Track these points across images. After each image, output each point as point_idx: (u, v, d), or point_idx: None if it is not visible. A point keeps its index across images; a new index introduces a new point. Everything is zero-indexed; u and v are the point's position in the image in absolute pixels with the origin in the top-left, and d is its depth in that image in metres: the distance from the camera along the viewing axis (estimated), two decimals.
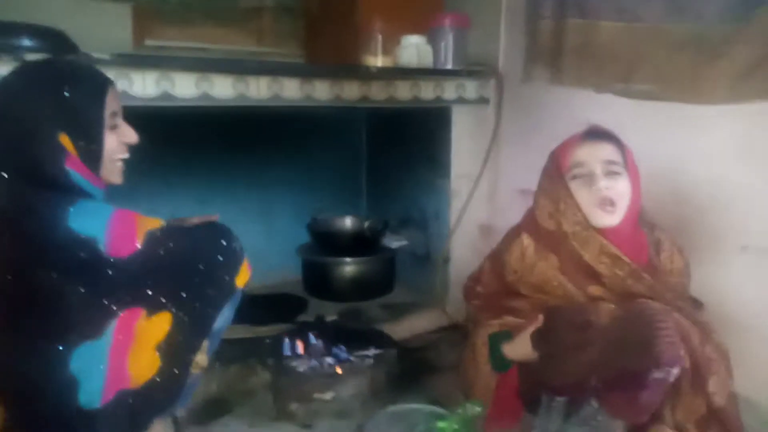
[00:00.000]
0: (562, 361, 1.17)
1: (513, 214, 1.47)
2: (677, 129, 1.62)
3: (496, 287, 1.37)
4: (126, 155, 1.13)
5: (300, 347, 1.69)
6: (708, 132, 1.57)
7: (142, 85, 1.46)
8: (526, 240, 1.32)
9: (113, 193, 1.14)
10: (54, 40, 1.36)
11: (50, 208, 0.98)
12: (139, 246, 1.02)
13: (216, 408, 1.56)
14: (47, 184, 1.01)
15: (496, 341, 1.28)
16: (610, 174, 1.22)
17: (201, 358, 1.13)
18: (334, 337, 1.74)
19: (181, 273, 1.06)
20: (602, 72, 1.79)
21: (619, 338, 1.11)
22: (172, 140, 1.86)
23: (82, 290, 0.98)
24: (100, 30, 1.79)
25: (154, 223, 1.07)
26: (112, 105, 1.09)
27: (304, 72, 1.75)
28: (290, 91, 1.68)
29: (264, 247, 2.13)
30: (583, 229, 1.24)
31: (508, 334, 1.28)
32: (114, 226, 1.02)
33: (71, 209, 0.98)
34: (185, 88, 1.50)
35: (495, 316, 1.32)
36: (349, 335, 1.77)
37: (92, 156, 1.05)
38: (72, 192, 1.03)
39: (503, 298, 1.33)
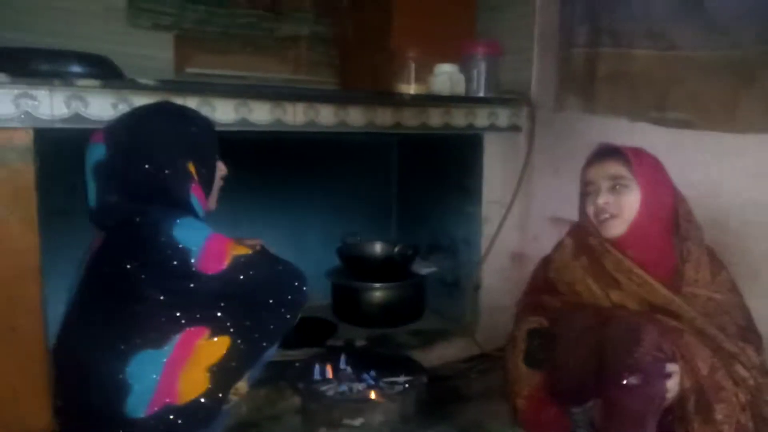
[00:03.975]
0: (561, 364, 1.23)
1: (545, 242, 1.47)
2: (712, 154, 1.60)
3: (541, 285, 1.43)
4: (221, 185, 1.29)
5: (329, 372, 1.68)
6: (743, 156, 1.54)
7: None
8: (567, 240, 1.40)
9: None
10: (100, 66, 1.42)
11: (162, 215, 1.08)
12: (225, 267, 1.08)
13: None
14: (172, 204, 1.13)
15: (531, 336, 1.32)
16: (616, 188, 1.28)
17: (242, 386, 1.16)
18: (364, 363, 1.73)
19: (251, 302, 1.11)
20: (636, 100, 1.77)
21: (600, 342, 1.14)
22: None
23: (162, 297, 1.04)
24: (143, 57, 1.87)
25: (242, 249, 1.13)
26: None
27: (339, 98, 1.78)
28: (325, 117, 1.71)
29: None
30: (600, 242, 1.30)
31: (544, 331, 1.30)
32: (210, 243, 1.08)
33: (178, 221, 1.07)
34: (225, 113, 1.55)
35: (532, 312, 1.37)
36: (378, 361, 1.76)
37: (207, 182, 1.21)
38: (187, 212, 1.14)
39: (542, 295, 1.39)
